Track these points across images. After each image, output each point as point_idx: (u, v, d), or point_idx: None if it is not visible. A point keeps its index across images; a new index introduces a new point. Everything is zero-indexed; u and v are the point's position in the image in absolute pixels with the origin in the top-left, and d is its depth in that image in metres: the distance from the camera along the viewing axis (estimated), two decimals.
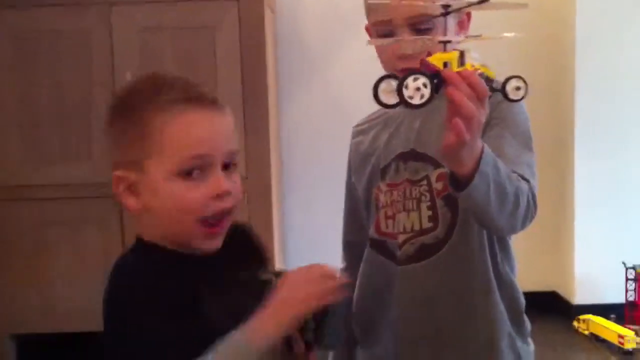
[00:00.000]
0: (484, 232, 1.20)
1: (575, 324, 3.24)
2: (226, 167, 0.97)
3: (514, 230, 1.16)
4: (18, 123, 2.80)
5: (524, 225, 1.12)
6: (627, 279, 3.22)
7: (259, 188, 2.82)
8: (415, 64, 0.94)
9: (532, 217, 1.11)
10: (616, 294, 3.27)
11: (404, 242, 1.21)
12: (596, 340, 3.09)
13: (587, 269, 3.35)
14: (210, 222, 0.95)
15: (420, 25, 1.13)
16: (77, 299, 2.73)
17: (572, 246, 3.38)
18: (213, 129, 0.96)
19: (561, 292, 3.52)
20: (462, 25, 1.19)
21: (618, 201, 3.34)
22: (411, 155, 1.22)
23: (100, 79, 2.75)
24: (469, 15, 1.20)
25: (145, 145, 0.94)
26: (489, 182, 0.98)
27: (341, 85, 3.42)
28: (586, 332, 3.16)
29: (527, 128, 1.22)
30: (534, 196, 1.09)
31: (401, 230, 1.22)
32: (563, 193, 3.47)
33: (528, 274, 3.61)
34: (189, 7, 2.79)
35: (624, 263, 3.22)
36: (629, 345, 2.92)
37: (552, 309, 3.47)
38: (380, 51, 1.19)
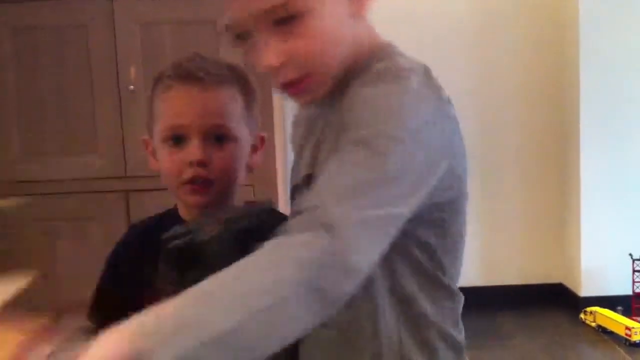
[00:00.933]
0: None
1: (582, 316, 3.23)
2: (217, 139, 1.07)
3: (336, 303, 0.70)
4: (20, 119, 2.79)
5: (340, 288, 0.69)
6: (634, 271, 3.20)
7: (264, 180, 2.81)
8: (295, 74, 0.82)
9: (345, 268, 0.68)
10: (623, 286, 3.26)
11: None
12: (603, 332, 3.08)
13: (594, 261, 3.34)
14: (190, 186, 1.07)
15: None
16: (81, 294, 2.73)
17: (578, 238, 3.37)
18: (191, 103, 1.06)
19: (568, 284, 3.51)
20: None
21: (624, 193, 3.32)
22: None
23: (102, 74, 2.74)
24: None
25: (151, 114, 1.12)
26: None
27: None
28: (593, 324, 3.15)
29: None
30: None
31: None
32: (569, 185, 3.46)
33: (535, 266, 3.63)
34: (192, 0, 2.78)
35: (630, 255, 3.21)
36: (636, 337, 2.90)
37: (558, 301, 3.46)
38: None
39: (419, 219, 0.78)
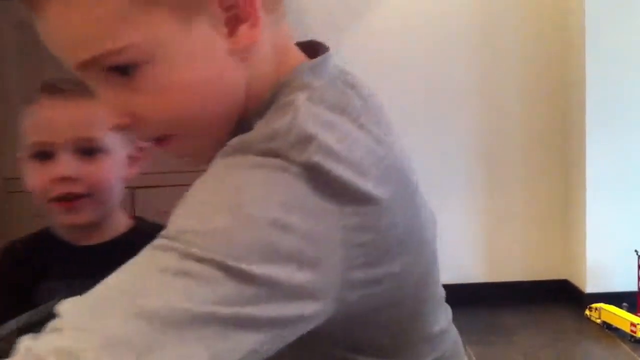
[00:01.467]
0: None
1: (587, 312, 3.23)
2: (86, 152, 1.02)
3: None
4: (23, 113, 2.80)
5: None
6: (639, 267, 3.20)
7: None
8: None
9: None
10: (628, 283, 3.25)
11: None
12: (608, 328, 3.08)
13: (599, 258, 3.34)
14: (60, 203, 1.01)
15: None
16: None
17: (583, 235, 3.37)
18: (55, 117, 1.02)
19: (573, 280, 3.51)
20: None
21: (629, 189, 3.32)
22: None
23: None
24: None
25: (22, 130, 1.05)
26: None
27: None
28: (598, 321, 3.15)
29: None
30: None
31: None
32: (574, 182, 3.45)
33: (540, 263, 3.63)
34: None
35: (636, 251, 3.20)
36: None
37: (563, 297, 3.46)
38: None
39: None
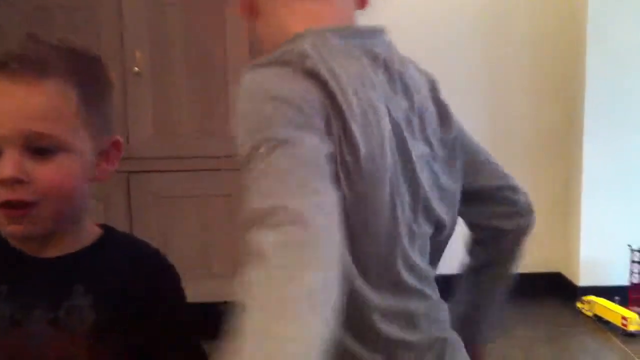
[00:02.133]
0: None
1: (579, 305, 3.25)
2: (40, 150, 0.82)
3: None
4: None
5: None
6: (632, 262, 3.22)
7: None
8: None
9: None
10: (621, 277, 3.27)
11: None
12: (600, 321, 3.10)
13: (593, 251, 3.35)
14: (4, 209, 0.83)
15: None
16: None
17: (578, 228, 3.38)
18: (7, 104, 0.81)
19: (566, 273, 3.53)
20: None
21: (626, 184, 3.33)
22: None
23: (110, 55, 2.73)
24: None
25: None
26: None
27: None
28: (590, 314, 3.17)
29: None
30: None
31: None
32: (571, 175, 3.46)
33: (533, 255, 3.62)
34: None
35: (629, 246, 3.22)
36: (632, 327, 2.92)
37: (556, 290, 3.48)
38: None
39: None
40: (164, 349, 0.91)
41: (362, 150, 0.76)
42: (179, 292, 0.94)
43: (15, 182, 0.80)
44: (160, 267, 0.94)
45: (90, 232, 0.93)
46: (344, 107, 0.75)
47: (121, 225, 2.74)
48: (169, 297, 0.93)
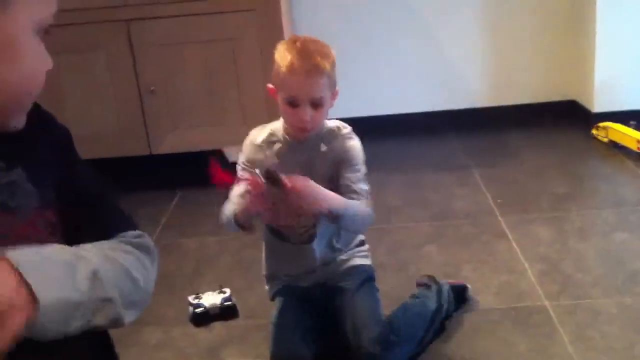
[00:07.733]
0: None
1: (594, 131, 3.22)
2: None
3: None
4: None
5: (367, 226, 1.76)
6: None
7: None
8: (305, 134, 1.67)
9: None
10: (636, 100, 3.22)
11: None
12: (615, 147, 3.09)
13: (608, 76, 3.27)
14: None
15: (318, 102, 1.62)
16: (87, 126, 2.76)
17: (592, 52, 3.27)
18: None
19: (581, 100, 3.47)
20: (334, 96, 1.67)
21: None
22: None
23: None
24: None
25: None
26: (351, 217, 1.61)
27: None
28: (605, 140, 3.15)
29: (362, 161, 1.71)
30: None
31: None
32: None
33: (547, 83, 3.57)
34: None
35: None
36: None
37: (571, 117, 3.44)
38: (286, 116, 1.67)
39: None
40: (90, 213, 0.91)
41: None
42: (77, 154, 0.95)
43: None
44: (69, 135, 0.94)
45: None
46: None
47: (126, 77, 2.71)
48: (78, 161, 0.94)
